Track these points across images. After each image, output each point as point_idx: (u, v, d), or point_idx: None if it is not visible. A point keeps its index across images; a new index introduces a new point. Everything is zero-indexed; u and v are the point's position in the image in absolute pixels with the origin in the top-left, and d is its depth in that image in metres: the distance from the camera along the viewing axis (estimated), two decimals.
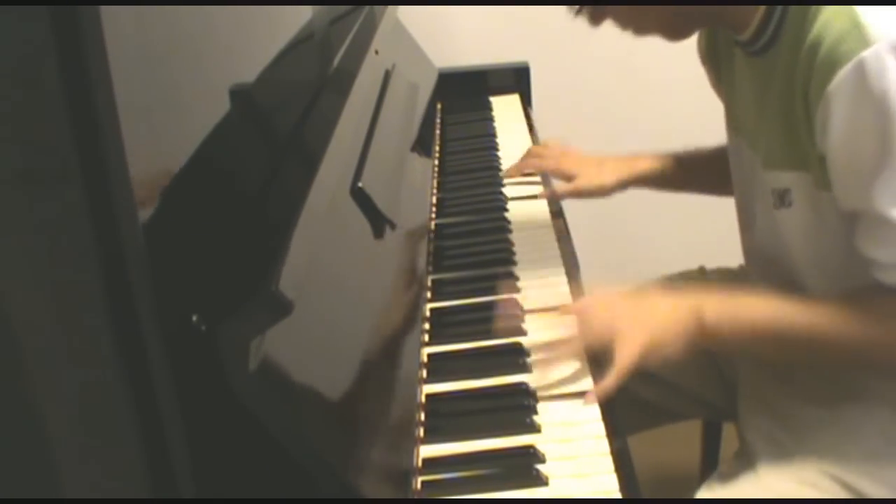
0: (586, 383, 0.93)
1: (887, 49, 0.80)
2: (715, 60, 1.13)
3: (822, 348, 0.93)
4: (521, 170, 1.44)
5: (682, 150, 1.30)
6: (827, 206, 0.92)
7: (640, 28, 0.99)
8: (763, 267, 1.09)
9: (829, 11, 0.85)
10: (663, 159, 1.31)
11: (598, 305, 0.97)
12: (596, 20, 0.99)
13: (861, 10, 0.83)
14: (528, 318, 1.05)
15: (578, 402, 0.90)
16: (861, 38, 0.81)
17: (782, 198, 0.97)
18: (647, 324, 0.93)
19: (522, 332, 1.01)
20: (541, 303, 1.07)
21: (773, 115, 0.95)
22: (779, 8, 0.92)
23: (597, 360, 0.95)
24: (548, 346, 0.95)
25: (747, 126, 1.04)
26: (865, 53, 0.81)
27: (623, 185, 1.31)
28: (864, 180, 0.85)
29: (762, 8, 0.94)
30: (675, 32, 1.00)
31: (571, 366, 0.95)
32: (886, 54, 0.80)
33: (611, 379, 0.89)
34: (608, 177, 1.31)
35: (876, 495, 0.97)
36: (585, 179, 1.33)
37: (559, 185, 1.37)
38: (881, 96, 0.81)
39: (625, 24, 0.99)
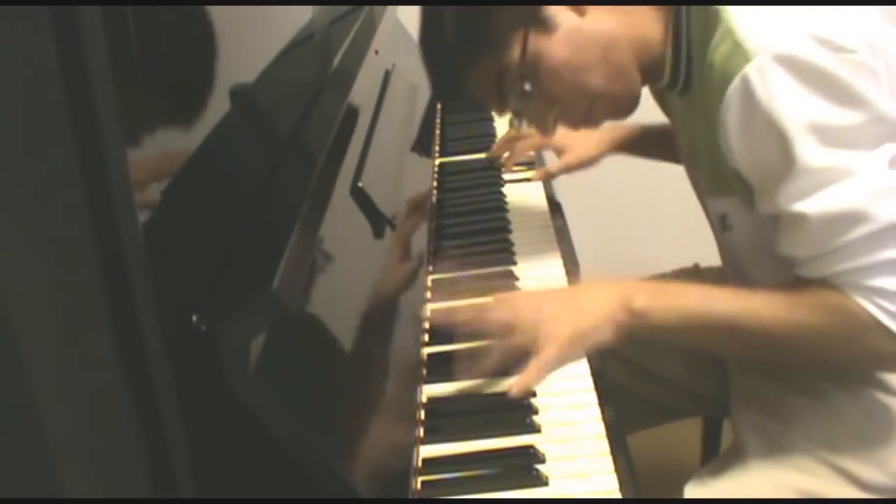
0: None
1: (766, 60, 0.84)
2: (662, 101, 1.17)
3: (750, 336, 0.94)
4: (514, 160, 1.48)
5: (658, 124, 1.33)
6: (761, 224, 0.95)
7: (588, 119, 1.03)
8: (734, 276, 1.13)
9: (716, 38, 0.89)
10: (641, 129, 1.37)
11: (524, 303, 0.99)
12: (539, 120, 1.03)
13: (739, 27, 0.87)
14: None
15: (578, 403, 0.90)
16: (742, 55, 0.85)
17: (724, 222, 1.01)
18: (571, 316, 0.94)
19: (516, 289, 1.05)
20: None
21: (700, 146, 0.99)
22: (682, 48, 0.96)
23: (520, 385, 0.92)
24: (473, 355, 0.94)
25: (690, 159, 1.08)
26: (747, 68, 0.84)
27: (605, 152, 1.38)
28: (772, 184, 0.88)
29: (669, 55, 0.98)
30: (619, 109, 1.03)
31: None
32: (766, 65, 0.84)
33: (532, 373, 0.91)
34: (593, 147, 1.38)
35: (866, 476, 0.99)
36: (573, 154, 1.39)
37: (551, 165, 1.43)
38: (768, 104, 0.84)
39: (571, 121, 1.03)
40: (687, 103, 1.01)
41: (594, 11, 0.96)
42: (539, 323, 0.94)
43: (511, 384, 0.91)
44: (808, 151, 0.84)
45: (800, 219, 0.87)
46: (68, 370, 0.51)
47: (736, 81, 0.85)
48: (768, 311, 0.92)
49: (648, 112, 1.14)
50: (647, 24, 0.98)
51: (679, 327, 0.95)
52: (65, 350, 0.51)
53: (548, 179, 1.43)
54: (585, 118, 1.03)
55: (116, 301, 0.52)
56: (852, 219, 0.86)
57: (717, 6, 0.90)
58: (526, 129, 1.09)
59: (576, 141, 1.39)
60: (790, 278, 0.94)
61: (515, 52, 0.96)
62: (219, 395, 0.58)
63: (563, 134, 1.39)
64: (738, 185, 0.94)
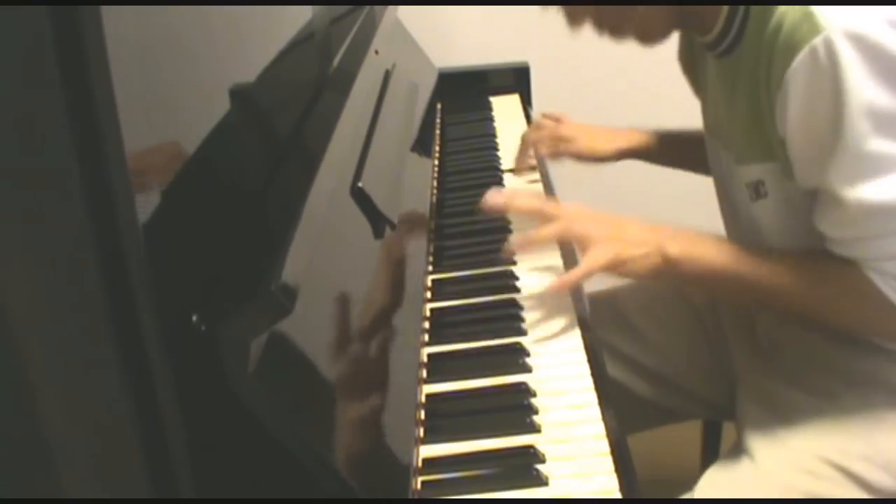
0: (575, 336, 1.00)
1: (837, 34, 0.84)
2: (692, 68, 1.18)
3: (771, 298, 1.01)
4: (524, 160, 1.47)
5: (675, 129, 1.34)
6: (797, 194, 0.96)
7: (616, 30, 1.03)
8: None
9: (785, 6, 0.89)
10: (656, 134, 1.37)
11: (580, 212, 1.04)
12: (574, 21, 1.03)
13: (816, 3, 0.86)
14: (528, 322, 1.05)
15: (578, 403, 0.90)
16: (812, 26, 0.85)
17: (757, 190, 1.01)
18: (616, 241, 1.00)
19: (516, 289, 1.09)
20: (541, 304, 1.07)
21: (740, 110, 0.99)
22: (741, 7, 0.96)
23: (585, 325, 1.03)
24: (527, 237, 1.03)
25: (719, 127, 1.07)
26: (816, 40, 0.84)
27: (620, 155, 1.37)
28: (818, 160, 0.89)
29: (726, 9, 0.98)
30: (648, 36, 1.05)
31: (561, 321, 1.02)
32: (836, 39, 0.84)
33: (576, 272, 0.99)
34: (606, 145, 1.38)
35: (873, 478, 0.99)
36: (584, 143, 1.39)
37: (558, 146, 1.42)
38: (833, 81, 0.84)
39: (601, 25, 1.03)
40: (728, 65, 1.01)
41: None
42: (588, 233, 1.01)
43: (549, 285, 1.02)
44: (860, 134, 0.85)
45: (839, 201, 0.89)
46: (68, 370, 0.51)
47: (805, 51, 0.85)
48: (793, 280, 0.97)
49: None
50: None
51: (706, 280, 1.03)
52: (65, 350, 0.51)
53: (553, 158, 1.42)
54: (614, 21, 1.03)
55: (116, 301, 0.52)
56: (891, 212, 0.87)
57: None
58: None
59: (585, 135, 1.39)
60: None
61: None
62: (219, 395, 0.58)
63: (573, 127, 1.40)
64: (781, 153, 0.94)
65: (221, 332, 0.57)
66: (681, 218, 1.50)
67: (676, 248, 0.99)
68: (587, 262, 0.99)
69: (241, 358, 0.59)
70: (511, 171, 1.48)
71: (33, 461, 0.50)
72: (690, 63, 1.17)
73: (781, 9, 0.89)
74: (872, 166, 0.86)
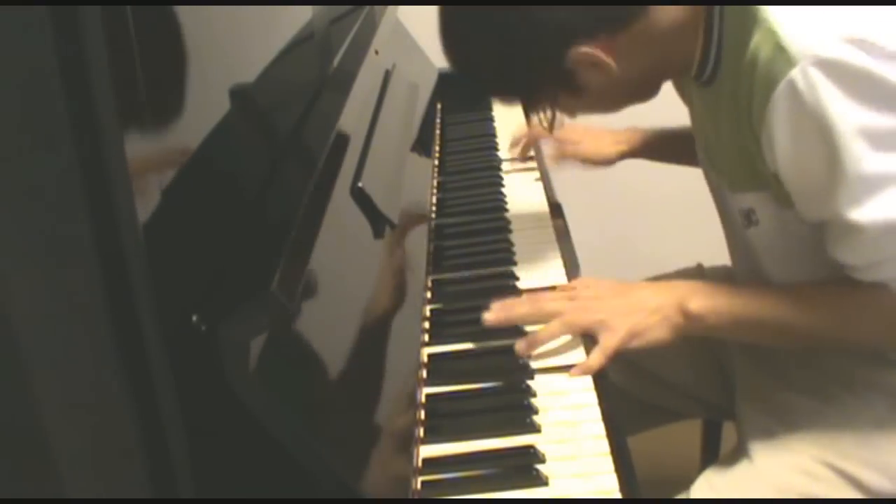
0: (578, 355, 0.97)
1: (811, 64, 0.82)
2: (683, 93, 1.17)
3: (799, 336, 0.98)
4: (525, 150, 1.47)
5: (675, 127, 1.33)
6: (791, 221, 0.95)
7: (611, 108, 1.05)
8: (746, 276, 1.12)
9: (756, 37, 0.87)
10: (656, 132, 1.36)
11: (585, 294, 1.02)
12: (570, 112, 1.06)
13: (781, 29, 0.85)
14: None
15: (578, 403, 0.90)
16: (786, 60, 0.84)
17: (749, 217, 1.00)
18: (631, 314, 0.97)
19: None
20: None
21: (726, 140, 0.99)
22: (713, 41, 0.95)
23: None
24: (534, 337, 0.98)
25: (710, 151, 1.07)
26: (793, 73, 0.83)
27: (623, 156, 1.37)
28: (821, 194, 0.88)
29: (699, 45, 0.97)
30: (640, 97, 1.05)
31: (563, 338, 0.99)
32: (812, 70, 0.82)
33: (594, 359, 0.95)
34: (610, 147, 1.37)
35: (871, 481, 0.99)
36: (588, 147, 1.38)
37: (565, 148, 1.41)
38: (816, 111, 0.83)
39: (595, 108, 1.05)
40: (710, 95, 1.00)
41: (626, 55, 0.95)
42: (601, 313, 0.98)
43: (574, 366, 0.95)
44: (859, 157, 0.83)
45: (853, 227, 0.87)
46: (68, 370, 0.51)
47: (782, 86, 0.84)
48: (817, 311, 0.95)
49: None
50: (679, 39, 0.97)
51: (732, 328, 1.00)
52: (65, 350, 0.51)
53: (559, 162, 1.41)
54: (605, 101, 1.04)
55: (116, 301, 0.52)
56: None
57: (755, 6, 0.88)
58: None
59: (588, 137, 1.39)
60: (812, 276, 0.96)
61: (544, 101, 1.03)
62: (219, 395, 0.58)
63: (574, 130, 1.40)
64: (772, 182, 0.93)
65: (221, 332, 0.57)
66: (682, 218, 1.50)
67: (696, 303, 0.97)
68: (603, 345, 0.95)
69: (241, 358, 0.59)
70: (509, 160, 1.49)
71: (33, 460, 0.50)
72: (681, 85, 1.17)
73: (754, 43, 0.87)
74: (878, 184, 0.85)
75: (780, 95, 0.84)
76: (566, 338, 0.99)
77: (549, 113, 1.05)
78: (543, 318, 0.99)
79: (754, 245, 1.03)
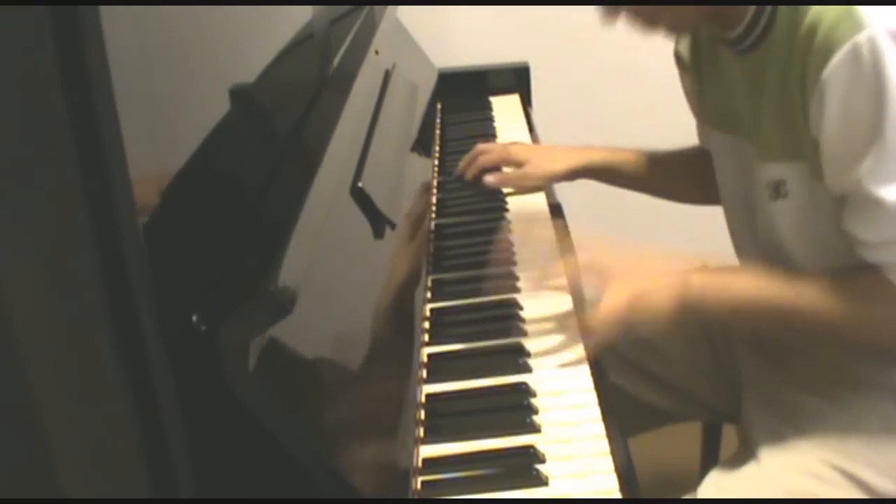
0: (578, 350, 0.98)
1: (880, 32, 0.82)
2: (696, 62, 1.16)
3: (801, 325, 0.98)
4: (472, 173, 1.41)
5: (643, 150, 1.32)
6: (822, 196, 0.94)
7: (651, 24, 1.01)
8: (763, 263, 1.09)
9: (820, 6, 0.87)
10: (620, 154, 1.33)
11: (599, 242, 1.04)
12: (610, 17, 1.02)
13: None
14: (528, 322, 1.05)
15: (578, 403, 0.90)
16: (854, 23, 0.83)
17: (777, 189, 0.99)
18: (638, 280, 0.98)
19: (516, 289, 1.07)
20: (540, 304, 1.07)
21: (768, 107, 0.97)
22: (766, 9, 0.94)
23: (587, 331, 1.01)
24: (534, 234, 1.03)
25: (741, 122, 1.05)
26: (859, 37, 0.83)
27: (573, 174, 1.34)
28: (853, 161, 0.87)
29: (751, 10, 0.96)
30: (678, 29, 1.05)
31: (563, 335, 1.00)
32: (880, 37, 0.82)
33: (597, 314, 0.96)
34: (558, 164, 1.34)
35: (879, 485, 0.98)
36: (534, 166, 1.35)
37: (506, 171, 1.37)
38: (875, 78, 0.83)
39: (636, 21, 1.01)
40: (749, 62, 0.99)
41: None
42: (611, 270, 1.00)
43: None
44: None
45: (875, 202, 0.87)
46: (68, 370, 0.51)
47: (845, 49, 0.83)
48: (819, 300, 0.95)
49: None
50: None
51: (731, 314, 1.00)
52: (65, 350, 0.51)
53: (499, 187, 1.37)
54: (650, 17, 1.01)
55: (116, 301, 0.52)
56: None
57: None
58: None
59: (539, 156, 1.36)
60: (832, 259, 0.96)
61: None
62: (219, 395, 0.58)
63: (524, 149, 1.38)
64: (809, 151, 0.92)
65: (221, 332, 0.57)
66: (682, 219, 1.50)
67: (699, 282, 0.98)
68: (606, 301, 0.96)
69: (241, 358, 0.59)
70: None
71: (33, 461, 0.50)
72: (695, 56, 1.15)
73: (817, 8, 0.87)
74: None
75: (841, 57, 0.84)
76: (565, 336, 1.00)
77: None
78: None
79: (778, 220, 1.01)
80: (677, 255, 1.02)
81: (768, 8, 0.95)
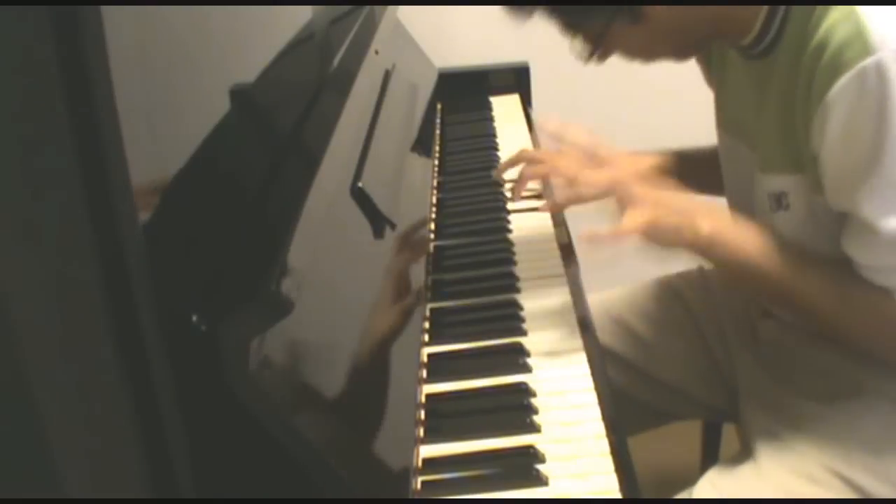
0: (578, 350, 0.98)
1: (890, 58, 0.81)
2: (707, 60, 1.15)
3: (791, 303, 1.00)
4: (520, 189, 1.29)
5: (677, 149, 1.31)
6: (822, 210, 0.94)
7: (649, 55, 1.02)
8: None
9: (834, 16, 0.85)
10: (662, 158, 1.31)
11: (629, 165, 1.04)
12: (603, 57, 1.02)
13: (867, 16, 0.83)
14: (528, 322, 1.05)
15: (578, 403, 0.90)
16: (864, 46, 0.82)
17: (779, 201, 0.99)
18: (659, 205, 0.97)
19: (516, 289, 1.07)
20: (540, 303, 1.07)
21: (771, 117, 0.97)
22: (780, 11, 0.93)
23: (585, 325, 1.02)
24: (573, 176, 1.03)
25: (744, 128, 1.05)
26: (868, 61, 0.81)
27: None
28: (851, 185, 0.87)
29: (763, 12, 0.94)
30: (682, 53, 1.04)
31: (563, 328, 1.01)
32: (888, 64, 0.81)
33: (615, 228, 0.95)
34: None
35: (876, 490, 0.98)
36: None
37: (560, 195, 1.29)
38: (880, 103, 0.82)
39: (633, 55, 1.03)
40: (760, 69, 0.98)
41: None
42: (635, 189, 0.99)
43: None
44: None
45: (870, 228, 0.87)
46: (68, 370, 0.51)
47: (854, 71, 0.82)
48: (818, 291, 0.95)
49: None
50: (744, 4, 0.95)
51: (732, 269, 1.01)
52: (65, 350, 0.51)
53: (558, 212, 1.29)
54: (646, 49, 1.03)
55: (116, 301, 0.52)
56: None
57: None
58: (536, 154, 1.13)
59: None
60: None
61: (595, 27, 1.00)
62: (219, 395, 0.58)
63: (574, 162, 1.34)
64: (808, 166, 0.92)
65: (221, 332, 0.57)
66: None
67: (709, 226, 0.96)
68: (627, 218, 0.95)
69: (241, 358, 0.59)
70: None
71: (33, 461, 0.50)
72: (709, 58, 1.15)
73: (830, 21, 0.85)
74: None
75: (849, 80, 0.82)
76: (565, 332, 1.00)
77: (587, 39, 1.02)
78: (594, 159, 1.05)
79: (779, 231, 1.01)
80: (699, 201, 1.00)
81: (778, 17, 0.93)
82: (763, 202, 1.01)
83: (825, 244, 0.95)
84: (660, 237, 0.96)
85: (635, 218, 0.94)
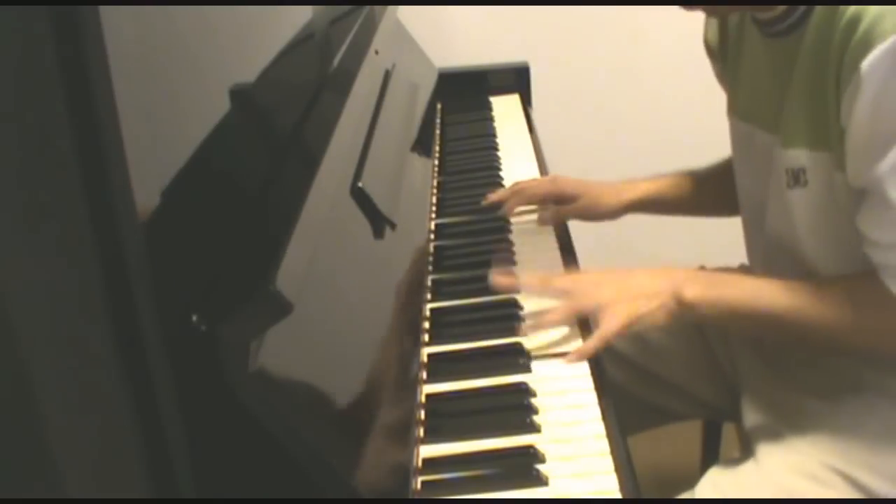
0: (575, 344, 0.99)
1: None
2: (723, 49, 1.15)
3: (797, 331, 0.98)
4: (515, 206, 1.35)
5: (676, 173, 1.31)
6: (841, 189, 0.93)
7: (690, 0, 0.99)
8: (772, 260, 1.10)
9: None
10: (662, 182, 1.32)
11: (586, 279, 1.04)
12: None
13: None
14: (529, 320, 1.05)
15: (578, 403, 0.90)
16: None
17: (797, 177, 0.98)
18: (627, 301, 0.99)
19: (516, 290, 1.08)
20: (540, 303, 1.07)
21: (797, 93, 0.96)
22: None
23: (585, 325, 1.02)
24: (539, 314, 1.02)
25: (762, 111, 1.04)
26: None
27: (627, 209, 1.32)
28: (875, 157, 0.86)
29: None
30: (717, 8, 1.03)
31: (563, 328, 1.02)
32: None
33: (592, 343, 0.97)
34: (613, 199, 1.32)
35: (878, 488, 0.98)
36: (590, 201, 1.32)
37: (564, 207, 1.33)
38: None
39: None
40: (781, 46, 0.98)
41: None
42: (600, 299, 1.00)
43: (570, 353, 0.98)
44: None
45: (888, 203, 0.87)
46: (68, 370, 0.51)
47: (889, 42, 0.82)
48: (815, 308, 0.95)
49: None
50: None
51: (727, 319, 1.01)
52: (65, 350, 0.51)
53: (556, 224, 1.31)
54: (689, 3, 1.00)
55: (116, 301, 0.52)
56: None
57: None
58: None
59: (592, 192, 1.32)
60: (843, 254, 0.96)
61: None
62: (219, 394, 0.58)
63: (574, 183, 1.36)
64: (834, 141, 0.91)
65: (221, 332, 0.57)
66: (683, 220, 1.50)
67: (692, 291, 0.98)
68: (602, 329, 0.97)
69: (241, 358, 0.59)
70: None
71: (33, 461, 0.50)
72: (722, 43, 1.14)
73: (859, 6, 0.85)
74: None
75: (883, 51, 0.82)
76: (565, 330, 1.00)
77: None
78: (547, 292, 1.03)
79: (794, 209, 1.00)
80: (664, 272, 1.02)
81: None
82: (780, 178, 1.00)
83: (839, 223, 0.95)
84: (645, 324, 0.99)
85: (611, 324, 0.97)
